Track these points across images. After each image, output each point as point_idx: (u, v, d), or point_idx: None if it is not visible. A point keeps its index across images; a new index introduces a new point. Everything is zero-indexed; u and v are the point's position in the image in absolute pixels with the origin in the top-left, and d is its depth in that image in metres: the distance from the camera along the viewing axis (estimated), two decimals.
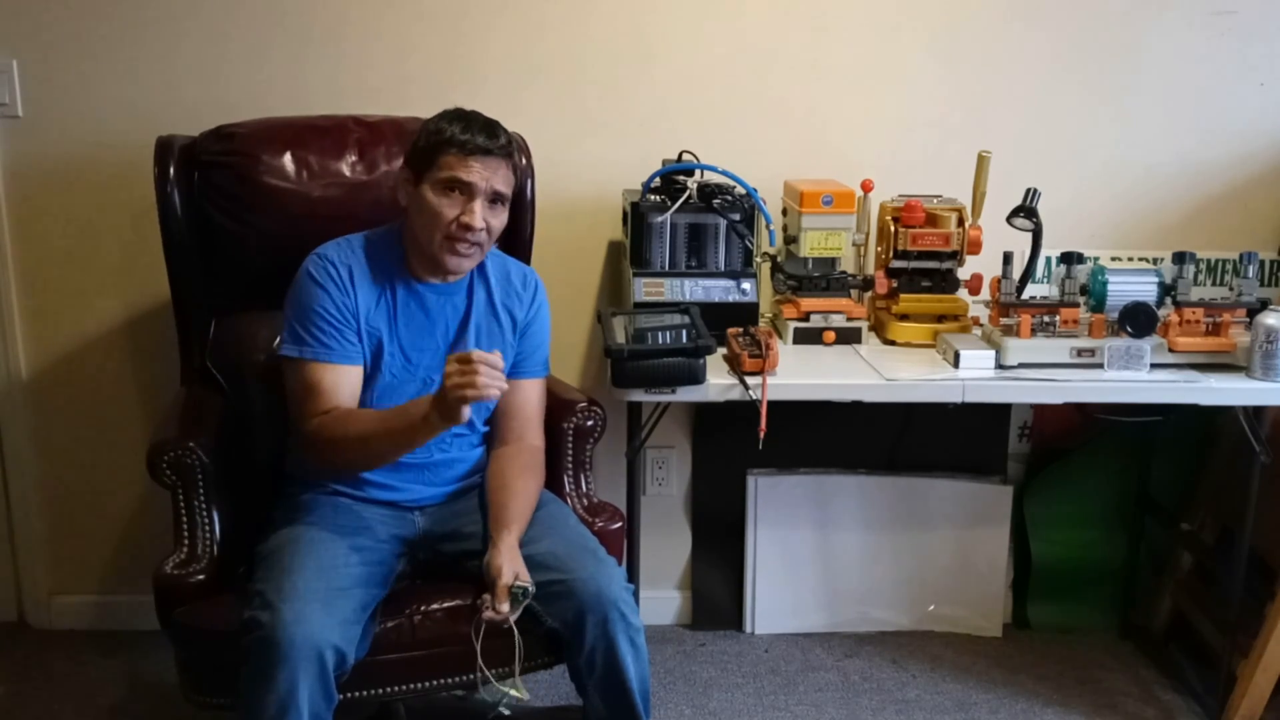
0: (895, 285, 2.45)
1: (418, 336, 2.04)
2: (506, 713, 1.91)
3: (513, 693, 1.91)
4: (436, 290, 2.06)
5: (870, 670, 2.69)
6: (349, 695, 1.84)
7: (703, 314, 2.24)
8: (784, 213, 2.53)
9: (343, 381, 1.97)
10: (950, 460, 2.82)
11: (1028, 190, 2.36)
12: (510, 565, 1.88)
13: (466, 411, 1.77)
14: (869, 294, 2.50)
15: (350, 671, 1.79)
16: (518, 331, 2.12)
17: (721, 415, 2.62)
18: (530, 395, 2.14)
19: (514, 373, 2.13)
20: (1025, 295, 2.36)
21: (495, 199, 1.97)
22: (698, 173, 2.50)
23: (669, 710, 2.52)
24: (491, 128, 1.96)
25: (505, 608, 1.84)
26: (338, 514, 1.99)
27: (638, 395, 2.16)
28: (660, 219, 2.39)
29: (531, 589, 1.86)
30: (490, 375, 1.75)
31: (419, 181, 1.97)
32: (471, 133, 1.93)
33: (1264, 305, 2.25)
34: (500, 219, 2.00)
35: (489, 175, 1.94)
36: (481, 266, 2.11)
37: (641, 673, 1.91)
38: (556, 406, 2.22)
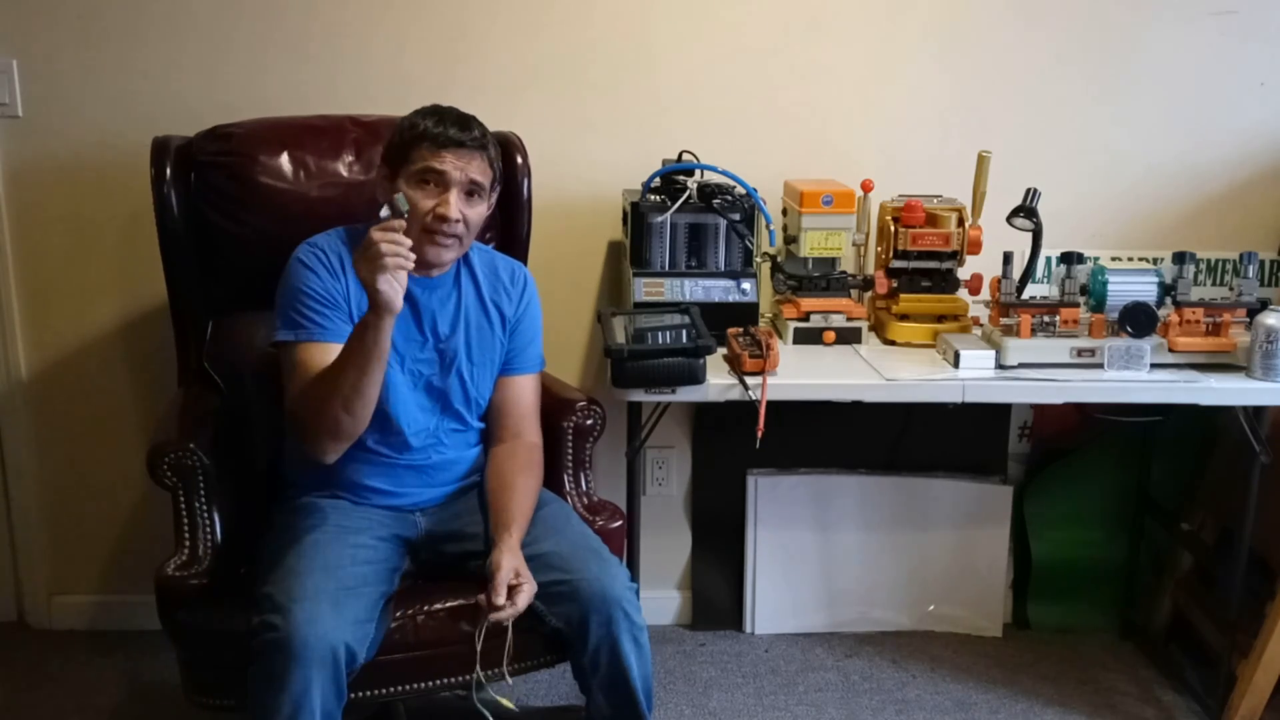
0: (895, 285, 2.45)
1: (407, 327, 2.03)
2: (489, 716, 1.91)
3: (503, 702, 1.91)
4: (422, 284, 2.05)
5: (870, 670, 2.69)
6: (350, 696, 1.84)
7: (703, 314, 2.24)
8: (784, 213, 2.53)
9: (329, 360, 1.94)
10: (950, 460, 2.82)
11: (1028, 190, 2.36)
12: (511, 562, 1.88)
13: (390, 292, 1.74)
14: (869, 294, 2.50)
15: (358, 670, 1.80)
16: (508, 328, 2.12)
17: (721, 415, 2.62)
18: (525, 391, 2.15)
19: (507, 369, 2.13)
20: (1025, 295, 2.36)
21: (472, 190, 1.97)
22: (698, 173, 2.50)
23: (669, 710, 2.52)
24: (464, 121, 1.97)
25: (501, 599, 1.83)
26: (339, 515, 1.99)
27: (638, 395, 2.16)
28: (660, 219, 2.39)
29: (532, 588, 1.86)
30: (390, 246, 1.72)
31: (395, 177, 1.97)
32: (444, 126, 1.94)
33: (1264, 305, 2.25)
34: (478, 211, 2.00)
35: (463, 166, 1.94)
36: (468, 261, 2.11)
37: (645, 671, 1.92)
38: (556, 406, 2.22)
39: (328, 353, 1.94)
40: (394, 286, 1.75)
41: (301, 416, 1.92)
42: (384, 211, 1.78)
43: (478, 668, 1.87)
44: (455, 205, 1.95)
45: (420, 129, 1.94)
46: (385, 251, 1.73)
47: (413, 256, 1.77)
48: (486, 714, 1.89)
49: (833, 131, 2.65)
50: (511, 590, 1.85)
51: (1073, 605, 2.88)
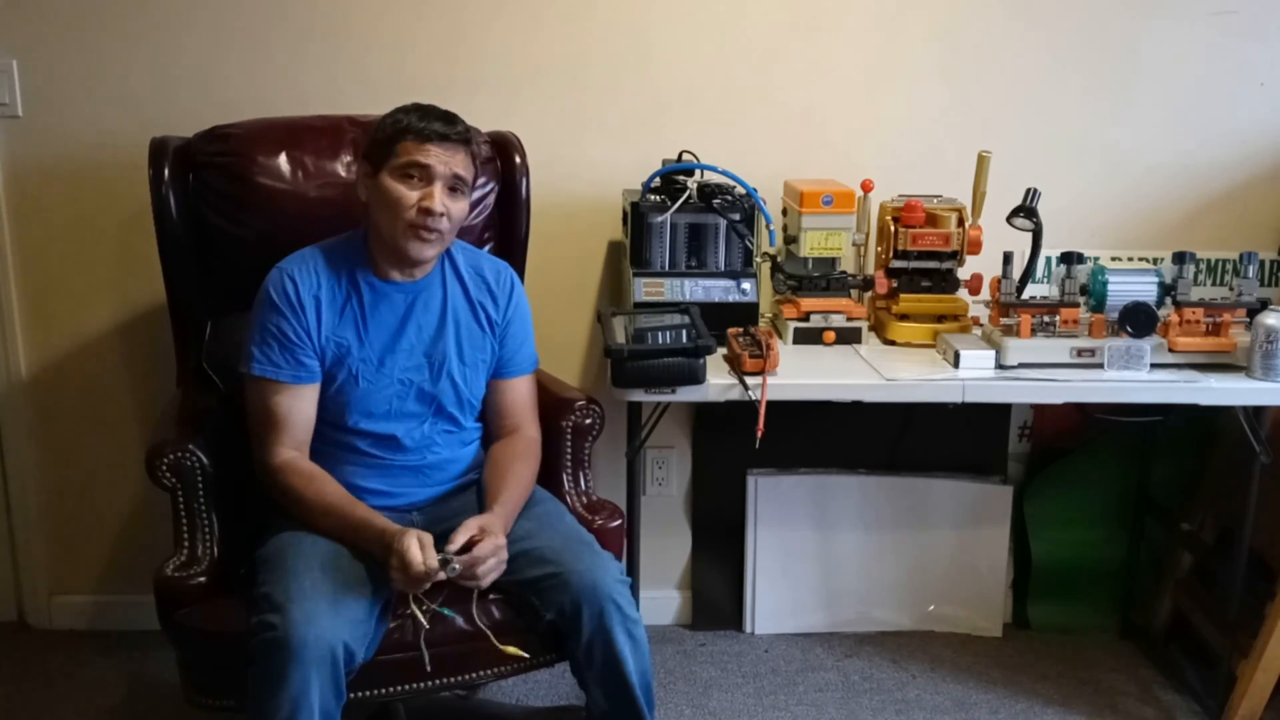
0: (895, 285, 2.44)
1: (390, 338, 2.03)
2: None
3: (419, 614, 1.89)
4: (404, 289, 2.05)
5: (870, 670, 2.69)
6: (349, 696, 1.84)
7: (703, 314, 2.24)
8: (784, 213, 2.53)
9: (296, 406, 1.98)
10: (950, 460, 2.82)
11: (1028, 190, 2.36)
12: (479, 522, 1.87)
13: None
14: (869, 294, 2.50)
15: (357, 670, 1.80)
16: (498, 333, 2.12)
17: (721, 415, 2.62)
18: (521, 391, 2.15)
19: (501, 371, 2.14)
20: (1025, 295, 2.36)
21: (455, 185, 1.97)
22: (698, 173, 2.50)
23: (669, 710, 2.52)
24: (448, 116, 1.97)
25: (456, 546, 1.83)
26: None
27: (638, 395, 2.16)
28: (660, 219, 2.39)
29: (456, 567, 1.82)
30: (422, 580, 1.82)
31: (376, 174, 1.97)
32: (428, 120, 1.94)
33: (1264, 305, 2.25)
34: (460, 206, 1.99)
35: (448, 159, 1.94)
36: (453, 261, 2.10)
37: (641, 665, 1.91)
38: (555, 405, 2.22)
39: (290, 395, 1.98)
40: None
41: (274, 486, 1.97)
42: (449, 567, 1.82)
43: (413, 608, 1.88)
44: (440, 199, 1.94)
45: (404, 124, 1.94)
46: (407, 586, 1.83)
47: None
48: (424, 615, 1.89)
49: (833, 131, 2.65)
50: (474, 544, 1.85)
51: (1073, 605, 2.88)
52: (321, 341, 1.99)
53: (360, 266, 2.03)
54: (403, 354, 2.03)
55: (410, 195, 1.94)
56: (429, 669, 1.89)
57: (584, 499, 2.22)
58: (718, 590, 2.86)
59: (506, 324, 2.12)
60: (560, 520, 2.06)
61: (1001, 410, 2.81)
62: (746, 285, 2.41)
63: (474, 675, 1.98)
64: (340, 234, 2.09)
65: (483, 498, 2.03)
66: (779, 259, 2.49)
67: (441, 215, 1.94)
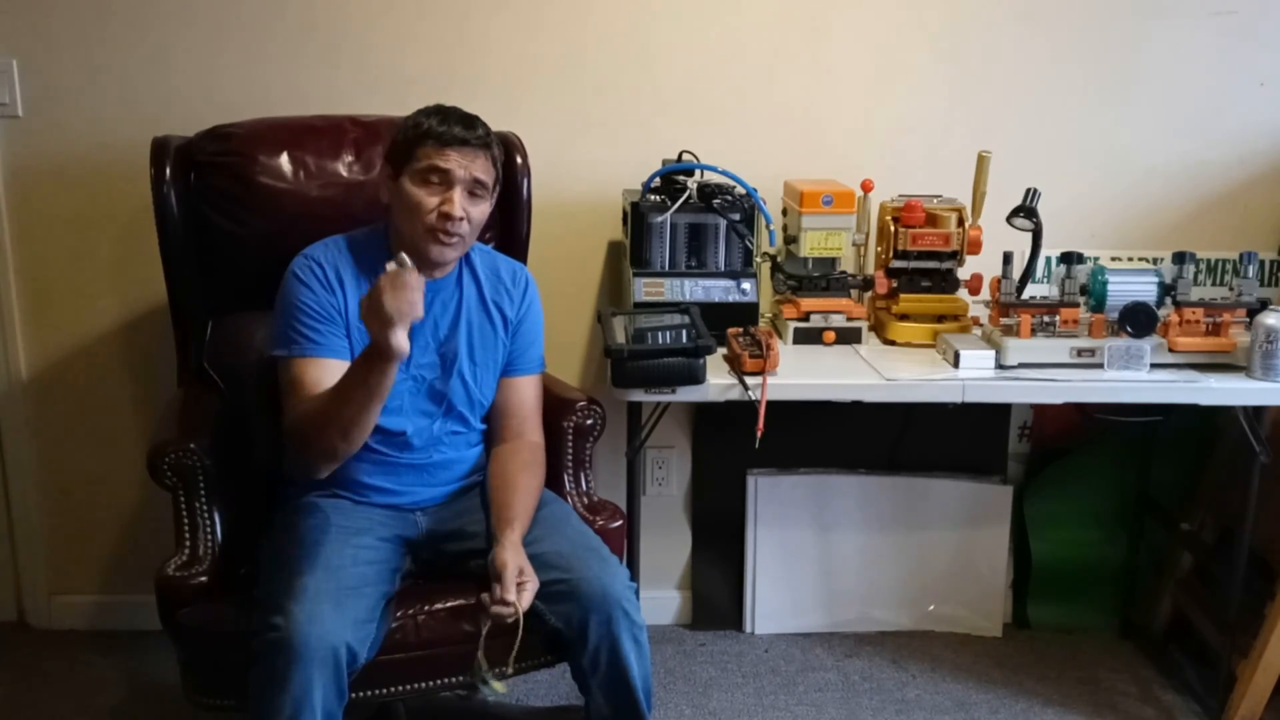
0: (895, 285, 2.45)
1: (408, 336, 2.03)
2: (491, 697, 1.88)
3: (495, 685, 1.89)
4: (425, 288, 2.05)
5: (870, 670, 2.69)
6: (351, 696, 1.84)
7: (703, 314, 2.24)
8: (784, 213, 2.53)
9: (325, 376, 1.96)
10: (950, 460, 2.82)
11: (1028, 190, 2.36)
12: (515, 560, 1.88)
13: (401, 344, 1.78)
14: (869, 294, 2.50)
15: (359, 670, 1.80)
16: (510, 330, 2.13)
17: (721, 415, 2.62)
18: (527, 392, 2.15)
19: (509, 370, 2.14)
20: (1025, 295, 2.37)
21: (475, 189, 1.98)
22: (698, 173, 2.50)
23: (669, 710, 2.52)
24: (469, 120, 1.98)
25: (511, 596, 1.84)
26: (339, 515, 1.99)
27: (638, 395, 2.16)
28: (660, 219, 2.39)
29: (534, 585, 1.87)
30: (400, 297, 1.76)
31: (398, 176, 1.98)
32: (448, 124, 1.95)
33: (1264, 305, 2.25)
34: (480, 210, 2.00)
35: (467, 164, 1.95)
36: (470, 262, 2.11)
37: (644, 671, 1.92)
38: (556, 405, 2.22)
39: (323, 368, 1.97)
40: (404, 339, 1.79)
41: (298, 437, 1.95)
42: (390, 265, 1.80)
43: (481, 658, 1.86)
44: (459, 203, 1.95)
45: (425, 127, 1.95)
46: (394, 309, 1.76)
47: (420, 305, 1.81)
48: (487, 686, 1.87)
49: (833, 131, 2.65)
50: (515, 587, 1.86)
51: (1073, 605, 2.88)
52: (349, 322, 2.00)
53: (381, 262, 2.03)
54: (418, 351, 2.04)
55: (430, 200, 1.95)
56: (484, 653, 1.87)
57: (585, 499, 2.22)
58: (718, 590, 2.86)
59: (520, 321, 2.13)
60: (567, 523, 2.06)
61: (1001, 410, 2.81)
62: (746, 285, 2.41)
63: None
64: (359, 229, 2.09)
65: (488, 502, 2.03)
66: (779, 259, 2.49)
67: (461, 220, 1.96)
